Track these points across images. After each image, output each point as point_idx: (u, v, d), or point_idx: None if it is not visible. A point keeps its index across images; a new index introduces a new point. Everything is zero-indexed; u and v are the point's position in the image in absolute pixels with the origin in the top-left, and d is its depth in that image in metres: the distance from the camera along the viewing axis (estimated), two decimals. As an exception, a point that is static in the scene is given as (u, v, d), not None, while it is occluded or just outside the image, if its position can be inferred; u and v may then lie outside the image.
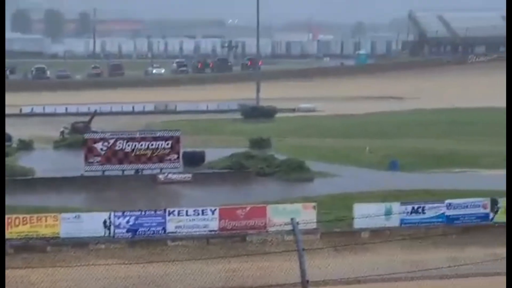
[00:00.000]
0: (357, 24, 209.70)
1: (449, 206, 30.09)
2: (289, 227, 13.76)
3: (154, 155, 37.28)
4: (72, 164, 38.35)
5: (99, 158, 36.75)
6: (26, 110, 68.38)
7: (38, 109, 69.00)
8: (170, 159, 37.40)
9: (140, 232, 27.95)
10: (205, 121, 65.29)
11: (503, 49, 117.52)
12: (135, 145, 37.11)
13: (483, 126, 57.08)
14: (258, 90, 71.31)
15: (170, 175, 36.99)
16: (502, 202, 30.29)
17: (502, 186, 34.80)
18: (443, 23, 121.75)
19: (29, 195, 33.23)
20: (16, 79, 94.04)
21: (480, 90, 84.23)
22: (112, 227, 27.71)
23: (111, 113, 68.27)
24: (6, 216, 26.99)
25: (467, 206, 30.17)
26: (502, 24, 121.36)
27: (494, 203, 30.31)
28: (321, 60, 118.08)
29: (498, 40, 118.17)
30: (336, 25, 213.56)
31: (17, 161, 40.19)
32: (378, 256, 25.99)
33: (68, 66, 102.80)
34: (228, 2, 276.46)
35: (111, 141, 37.02)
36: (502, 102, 72.37)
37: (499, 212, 30.24)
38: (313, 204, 29.34)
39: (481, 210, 30.24)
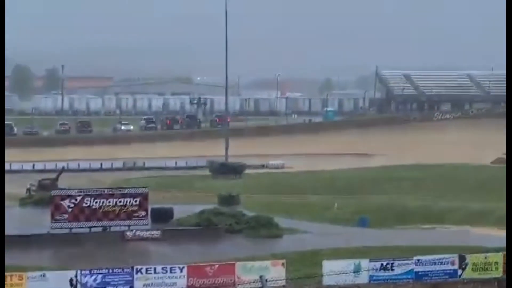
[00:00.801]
0: (325, 81, 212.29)
1: (417, 262, 30.16)
2: (258, 285, 13.69)
3: (122, 212, 36.98)
4: (39, 221, 37.86)
5: (66, 215, 36.33)
6: (-8, 166, 67.63)
7: (4, 166, 68.30)
8: (138, 216, 37.12)
9: (107, 291, 27.53)
10: (173, 177, 65.10)
11: (467, 107, 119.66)
12: (103, 202, 36.80)
13: (449, 183, 57.64)
14: (227, 147, 71.51)
15: (138, 232, 36.66)
16: (470, 259, 30.45)
17: (469, 242, 35.09)
18: (409, 81, 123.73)
19: (-7, 253, 32.63)
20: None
21: (446, 147, 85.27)
22: (78, 286, 27.27)
23: (78, 170, 67.90)
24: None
25: (435, 263, 30.26)
26: (467, 82, 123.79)
27: (462, 259, 30.45)
28: (290, 117, 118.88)
29: (463, 98, 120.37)
30: (304, 82, 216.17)
31: (-18, 218, 39.51)
32: (348, 313, 25.85)
33: (35, 122, 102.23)
34: (197, 60, 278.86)
35: (79, 198, 36.68)
36: (467, 159, 73.49)
37: (467, 269, 30.36)
38: (282, 261, 29.20)
39: (450, 267, 30.34)
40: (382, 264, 29.68)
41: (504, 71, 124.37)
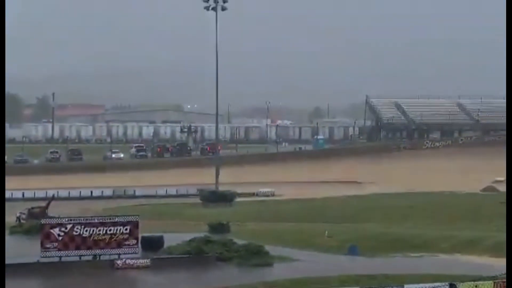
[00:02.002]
0: (314, 110, 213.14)
1: (408, 290, 30.13)
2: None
3: (112, 240, 36.88)
4: (29, 250, 37.73)
5: (56, 244, 36.21)
6: (-18, 195, 67.39)
7: (-6, 194, 68.05)
8: (128, 244, 37.02)
9: (97, 320, 27.39)
10: (164, 205, 65.07)
11: (456, 135, 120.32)
12: (93, 230, 36.70)
13: (439, 211, 57.77)
14: (217, 175, 71.61)
15: (128, 261, 36.56)
16: (460, 287, 30.47)
17: (460, 270, 35.15)
18: (398, 109, 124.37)
19: (-17, 282, 32.47)
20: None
21: (436, 175, 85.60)
22: (68, 315, 27.13)
23: (69, 198, 67.80)
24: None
25: (426, 291, 30.23)
26: (456, 110, 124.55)
27: None
28: (280, 145, 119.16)
29: (453, 126, 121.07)
30: (295, 110, 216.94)
31: (-28, 247, 39.35)
32: None
33: (26, 150, 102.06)
34: (187, 88, 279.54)
35: (69, 227, 36.57)
36: (457, 187, 73.79)
37: (457, 297, 30.37)
38: (273, 289, 29.18)
39: (440, 295, 30.32)
40: (372, 292, 29.67)
41: (493, 100, 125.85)
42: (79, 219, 37.74)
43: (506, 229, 29.93)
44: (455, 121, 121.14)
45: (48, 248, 36.11)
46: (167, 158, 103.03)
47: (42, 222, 37.76)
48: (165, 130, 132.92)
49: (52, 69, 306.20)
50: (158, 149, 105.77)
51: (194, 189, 72.76)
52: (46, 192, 64.09)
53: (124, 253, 36.82)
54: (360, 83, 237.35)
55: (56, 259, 36.19)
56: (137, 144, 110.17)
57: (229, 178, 74.15)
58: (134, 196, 72.16)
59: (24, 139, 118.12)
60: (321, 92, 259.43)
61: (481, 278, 31.24)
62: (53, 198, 54.46)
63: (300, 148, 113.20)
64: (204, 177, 75.77)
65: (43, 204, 51.16)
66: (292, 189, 75.51)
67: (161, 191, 74.17)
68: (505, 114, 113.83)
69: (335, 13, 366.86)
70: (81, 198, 70.23)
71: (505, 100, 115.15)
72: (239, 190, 69.91)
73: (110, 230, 36.87)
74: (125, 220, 37.75)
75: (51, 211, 48.75)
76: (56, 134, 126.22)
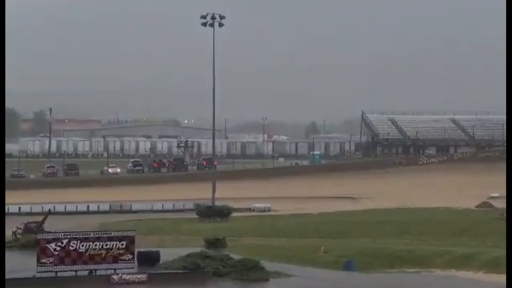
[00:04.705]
0: (311, 125, 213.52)
1: (403, 306, 30.27)
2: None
3: (108, 255, 36.95)
4: (24, 265, 37.76)
5: (52, 259, 36.26)
6: (-22, 209, 67.31)
7: (-10, 209, 68.00)
8: (124, 259, 37.08)
9: (93, 334, 27.45)
10: (160, 220, 65.12)
11: (452, 151, 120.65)
12: (89, 245, 36.75)
13: (434, 226, 57.90)
14: (213, 190, 71.74)
15: (124, 276, 36.62)
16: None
17: (455, 286, 35.29)
18: (394, 125, 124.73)
19: (-21, 297, 32.49)
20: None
21: (431, 191, 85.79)
22: (64, 329, 27.19)
23: (65, 213, 67.82)
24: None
25: (420, 306, 30.37)
26: (452, 126, 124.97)
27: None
28: (276, 160, 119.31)
29: (448, 142, 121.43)
30: (291, 125, 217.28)
31: (-32, 261, 39.29)
32: None
33: (22, 165, 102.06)
34: (184, 103, 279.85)
35: (65, 241, 36.62)
36: (452, 203, 73.97)
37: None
38: (269, 304, 29.27)
39: (435, 310, 30.45)
40: (367, 308, 29.79)
41: (487, 116, 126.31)
42: (75, 234, 37.81)
43: (506, 244, 30.03)
44: (450, 137, 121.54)
45: (44, 263, 36.14)
46: (164, 173, 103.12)
47: (38, 237, 37.83)
48: (162, 145, 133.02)
49: (49, 83, 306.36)
50: (155, 164, 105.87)
51: (190, 204, 72.82)
52: (43, 207, 64.10)
53: (120, 268, 36.87)
54: (355, 99, 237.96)
55: (52, 274, 36.25)
56: (134, 159, 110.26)
57: (226, 193, 74.26)
58: (130, 211, 72.21)
59: (20, 153, 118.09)
60: (318, 107, 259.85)
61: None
62: (49, 212, 54.49)
63: (296, 164, 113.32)
64: (200, 192, 75.85)
65: (39, 218, 51.19)
66: (289, 204, 75.61)
67: (158, 206, 74.26)
68: (500, 131, 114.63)
69: (332, 29, 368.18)
70: (77, 212, 70.26)
71: (498, 116, 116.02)
72: (235, 205, 70.00)
73: (106, 245, 36.93)
74: (122, 235, 37.82)
75: (47, 226, 48.78)
76: (53, 148, 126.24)
